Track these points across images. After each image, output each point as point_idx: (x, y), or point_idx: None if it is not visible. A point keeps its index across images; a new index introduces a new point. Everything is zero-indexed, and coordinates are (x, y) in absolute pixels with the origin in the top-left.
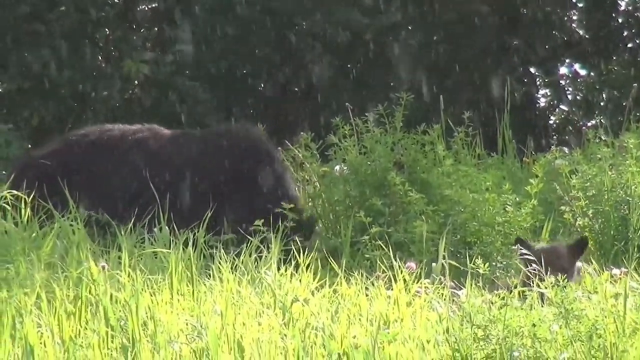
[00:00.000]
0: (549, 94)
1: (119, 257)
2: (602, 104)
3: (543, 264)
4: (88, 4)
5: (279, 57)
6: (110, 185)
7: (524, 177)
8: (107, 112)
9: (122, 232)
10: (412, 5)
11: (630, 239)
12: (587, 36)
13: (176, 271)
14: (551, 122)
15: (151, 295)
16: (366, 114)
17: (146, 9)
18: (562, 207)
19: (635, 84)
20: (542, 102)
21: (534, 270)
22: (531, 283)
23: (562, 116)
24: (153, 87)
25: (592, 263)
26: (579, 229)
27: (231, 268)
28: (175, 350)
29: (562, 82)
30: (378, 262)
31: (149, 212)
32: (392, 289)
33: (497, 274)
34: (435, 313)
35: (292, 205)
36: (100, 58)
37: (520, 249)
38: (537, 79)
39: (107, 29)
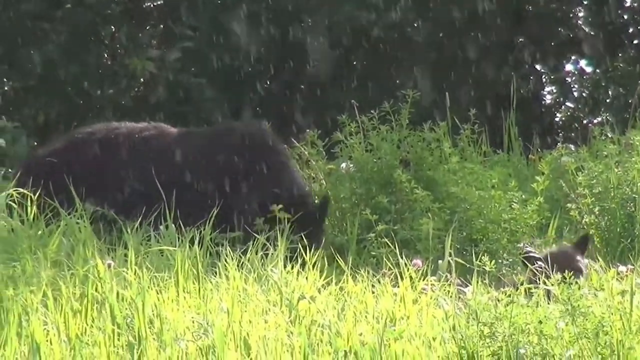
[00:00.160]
0: (554, 91)
1: (125, 255)
2: (608, 101)
3: (557, 268)
4: (93, 2)
5: (284, 54)
6: (116, 183)
7: (530, 174)
8: (113, 110)
9: (129, 230)
10: (417, 2)
11: (636, 236)
12: (592, 33)
13: (182, 269)
14: (557, 119)
15: (157, 293)
16: (372, 111)
17: (152, 6)
18: (568, 205)
19: None
20: (548, 99)
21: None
22: (537, 280)
23: (568, 113)
24: (159, 84)
25: (598, 260)
26: (585, 226)
27: (237, 265)
28: (182, 347)
29: (568, 79)
30: (384, 259)
31: (156, 210)
32: (398, 287)
33: (503, 271)
34: (442, 310)
35: (302, 202)
36: (106, 56)
37: (528, 257)
38: (543, 76)
39: (112, 27)
